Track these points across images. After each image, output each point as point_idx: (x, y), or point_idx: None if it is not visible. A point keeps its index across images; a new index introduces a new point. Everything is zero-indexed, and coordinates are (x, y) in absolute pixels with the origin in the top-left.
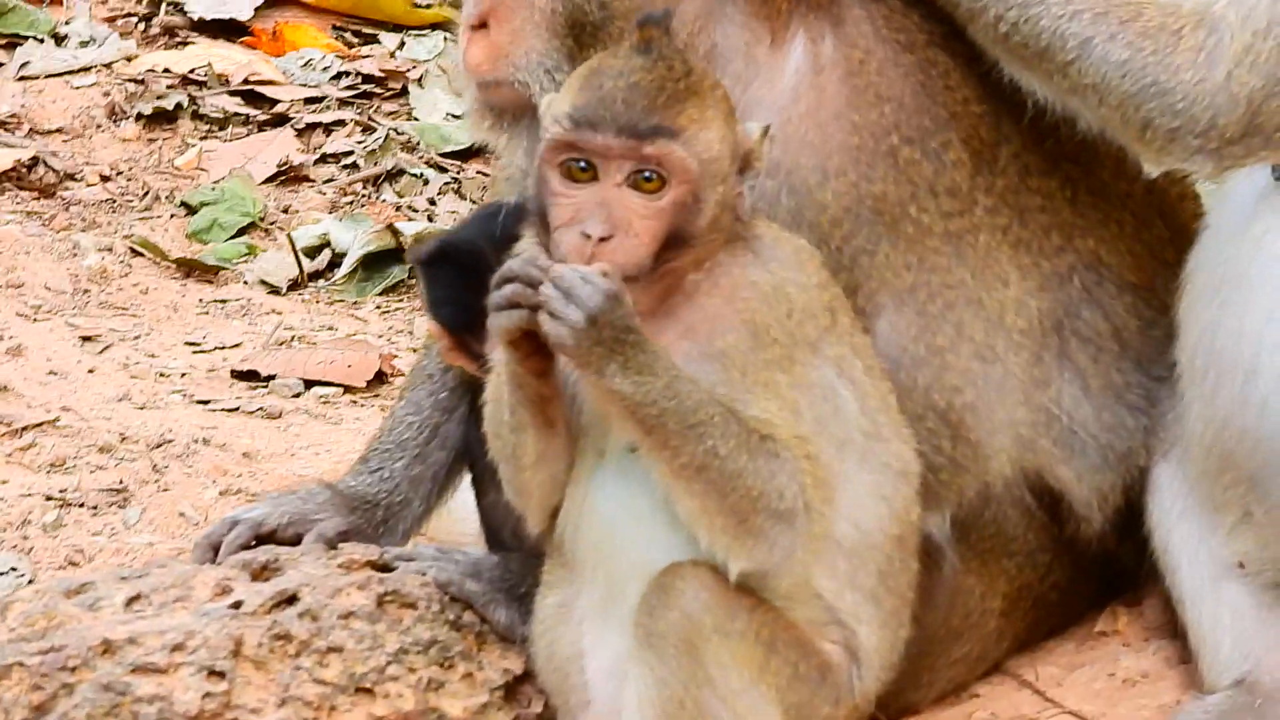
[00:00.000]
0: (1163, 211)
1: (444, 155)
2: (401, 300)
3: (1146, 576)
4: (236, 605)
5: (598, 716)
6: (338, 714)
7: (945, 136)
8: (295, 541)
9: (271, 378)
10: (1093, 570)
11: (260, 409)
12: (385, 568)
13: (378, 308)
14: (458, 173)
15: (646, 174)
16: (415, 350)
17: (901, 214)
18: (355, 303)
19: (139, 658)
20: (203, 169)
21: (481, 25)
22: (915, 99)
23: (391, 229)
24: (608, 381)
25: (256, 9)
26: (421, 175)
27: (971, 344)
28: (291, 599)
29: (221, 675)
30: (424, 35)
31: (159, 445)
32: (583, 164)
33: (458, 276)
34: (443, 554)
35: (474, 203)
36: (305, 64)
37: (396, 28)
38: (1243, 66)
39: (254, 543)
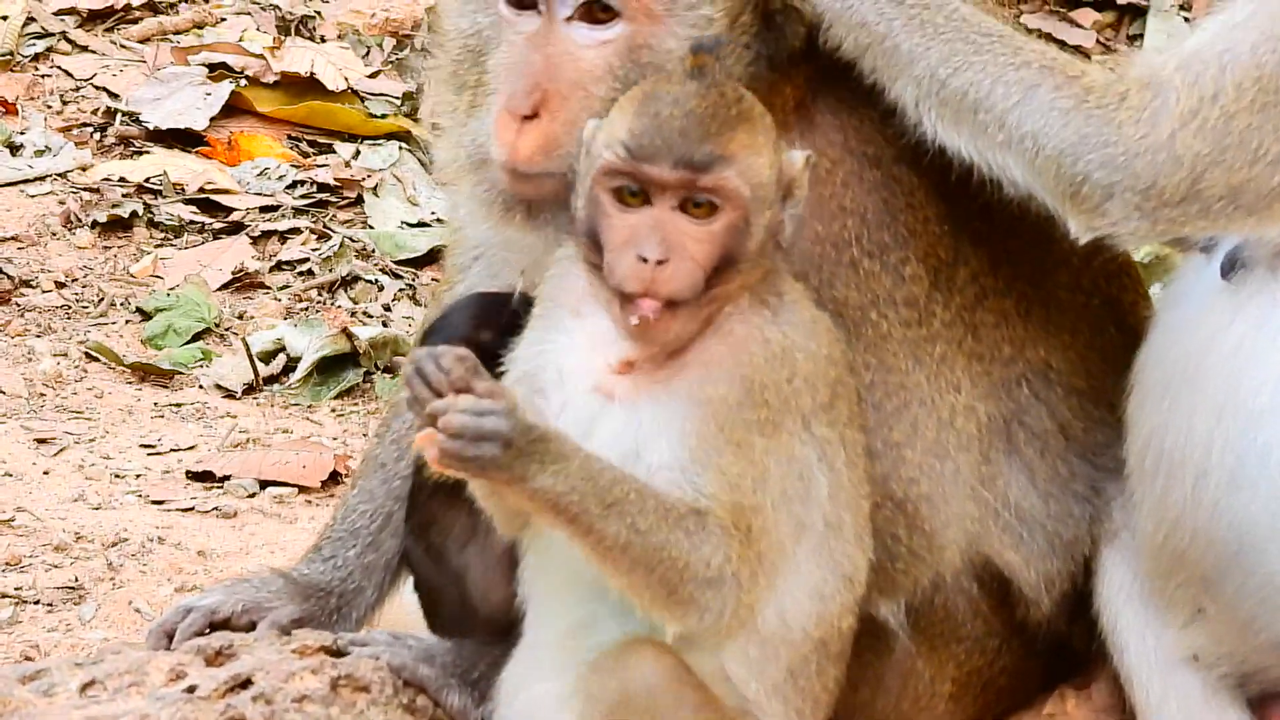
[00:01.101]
0: (1117, 319)
1: (398, 262)
2: (356, 404)
3: (1094, 659)
4: (190, 690)
5: None
6: None
7: (904, 253)
8: (249, 628)
9: (227, 478)
10: (1041, 653)
11: (215, 509)
12: (339, 653)
13: (332, 411)
14: (412, 279)
15: (696, 201)
16: None
17: (862, 318)
18: (310, 406)
19: None
20: (158, 276)
21: (532, 115)
22: (878, 214)
23: (346, 333)
24: (531, 484)
25: (212, 119)
26: (376, 281)
27: (925, 440)
28: (245, 683)
29: None
30: (379, 145)
31: (114, 544)
32: (634, 189)
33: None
34: (396, 639)
35: (427, 307)
36: (260, 173)
37: (351, 137)
38: (1189, 129)
39: (208, 630)
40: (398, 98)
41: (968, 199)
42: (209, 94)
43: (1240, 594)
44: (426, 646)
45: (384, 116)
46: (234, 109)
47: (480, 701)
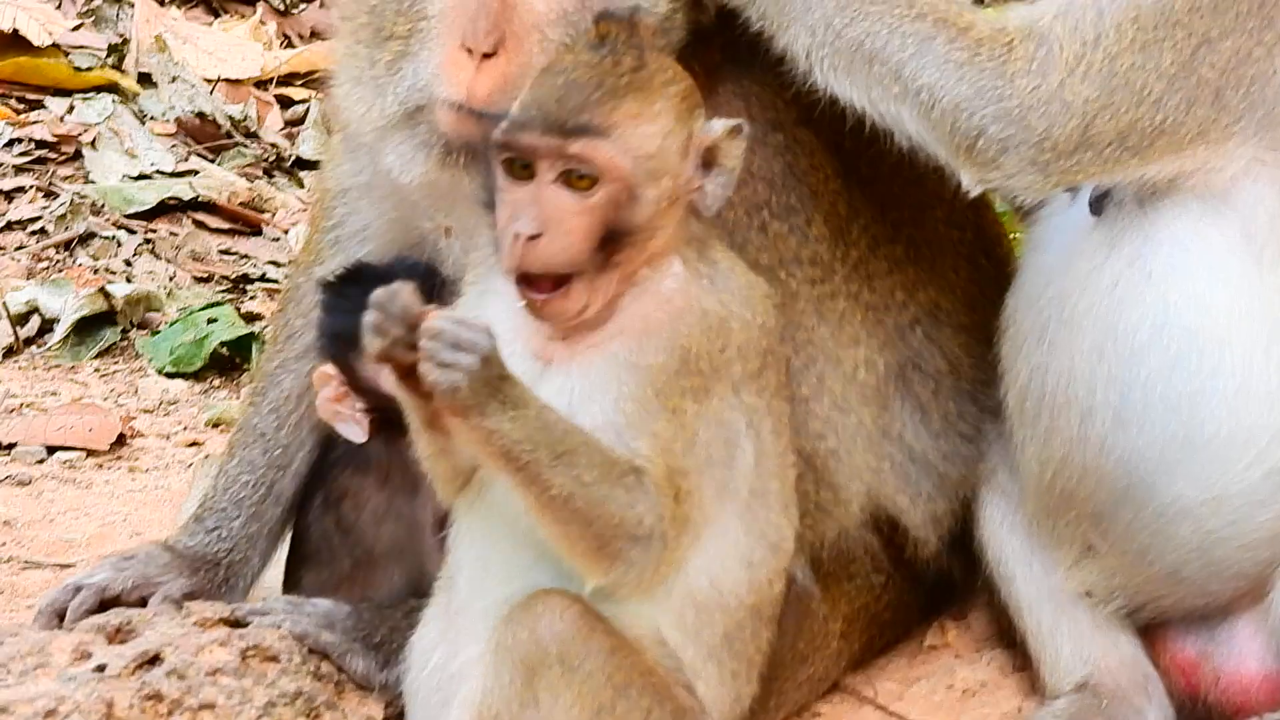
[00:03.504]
0: (986, 251)
1: (129, 216)
2: (118, 362)
3: (969, 590)
4: (100, 668)
5: (420, 706)
6: None
7: (809, 214)
8: (140, 604)
9: (12, 445)
10: (923, 587)
11: (8, 477)
12: (238, 623)
13: (96, 371)
14: (148, 233)
15: (577, 172)
16: (148, 411)
17: (771, 278)
18: (73, 367)
19: None
20: None
21: (490, 54)
22: (784, 177)
23: (104, 292)
24: (490, 421)
25: None
26: (114, 237)
27: (831, 395)
28: (155, 659)
29: None
30: (91, 98)
31: None
32: (521, 163)
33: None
34: (294, 606)
35: (169, 262)
36: None
37: (60, 91)
38: (1075, 76)
39: (98, 607)
40: (102, 49)
41: (856, 149)
42: None
43: (1131, 528)
44: (326, 611)
45: (90, 69)
46: None
47: (384, 665)
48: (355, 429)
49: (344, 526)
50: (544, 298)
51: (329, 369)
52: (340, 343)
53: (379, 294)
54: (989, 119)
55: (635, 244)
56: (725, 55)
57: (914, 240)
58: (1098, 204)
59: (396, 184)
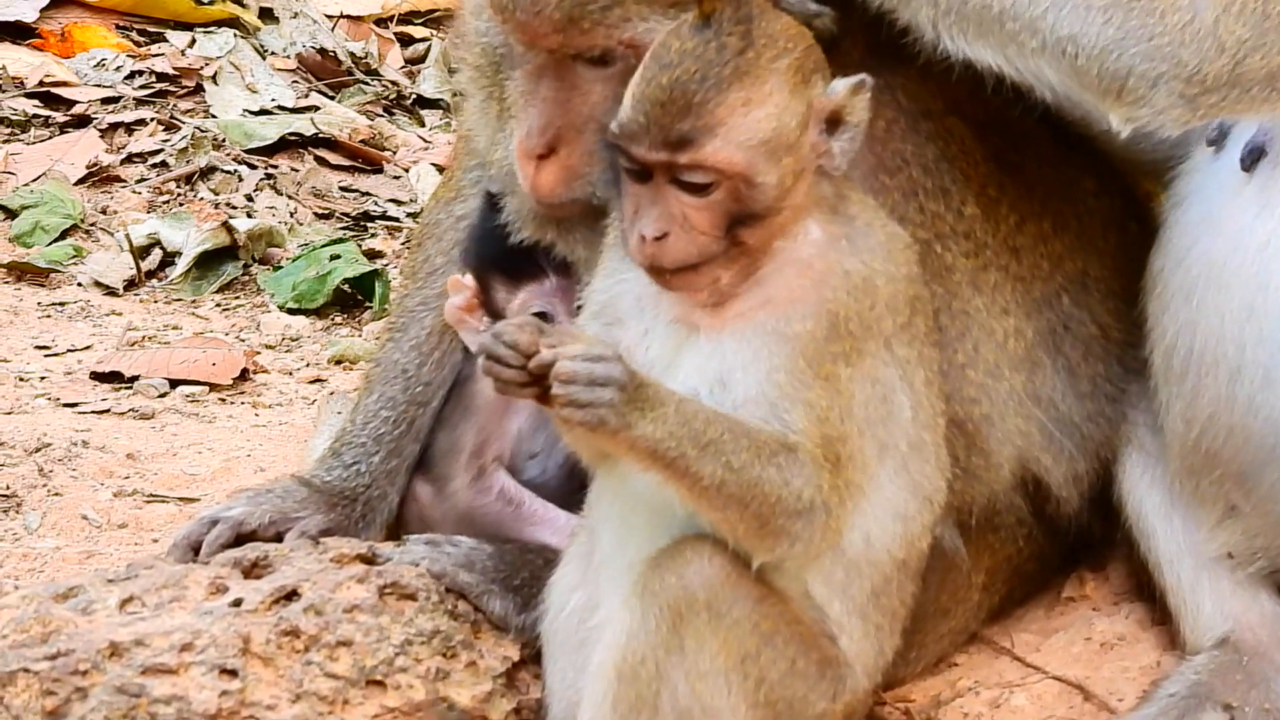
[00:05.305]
0: (1136, 214)
1: (248, 151)
2: (239, 297)
3: (1108, 542)
4: (237, 603)
5: (559, 648)
6: (351, 707)
7: (963, 195)
8: (276, 539)
9: (135, 378)
10: (1063, 540)
11: (131, 410)
12: (376, 560)
13: (217, 305)
14: (268, 168)
15: (685, 177)
16: (270, 347)
17: (928, 251)
18: (194, 301)
19: (148, 659)
20: (9, 172)
21: (548, 154)
22: (936, 162)
23: (226, 226)
24: (633, 433)
25: (41, 10)
26: (235, 172)
27: (985, 363)
28: (292, 595)
29: (234, 673)
30: (212, 32)
31: (39, 449)
32: (635, 167)
33: None
34: (433, 545)
35: (290, 198)
36: (98, 64)
37: (182, 25)
38: (1229, 14)
39: (234, 541)
40: None
41: (1001, 136)
42: None
43: (1276, 489)
44: (466, 552)
45: (211, 2)
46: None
47: (523, 608)
48: (477, 340)
49: None
50: (673, 278)
51: (467, 280)
52: (485, 263)
53: (496, 330)
54: (1138, 57)
55: (765, 223)
56: (867, 52)
57: (1062, 214)
58: (1250, 158)
59: None
